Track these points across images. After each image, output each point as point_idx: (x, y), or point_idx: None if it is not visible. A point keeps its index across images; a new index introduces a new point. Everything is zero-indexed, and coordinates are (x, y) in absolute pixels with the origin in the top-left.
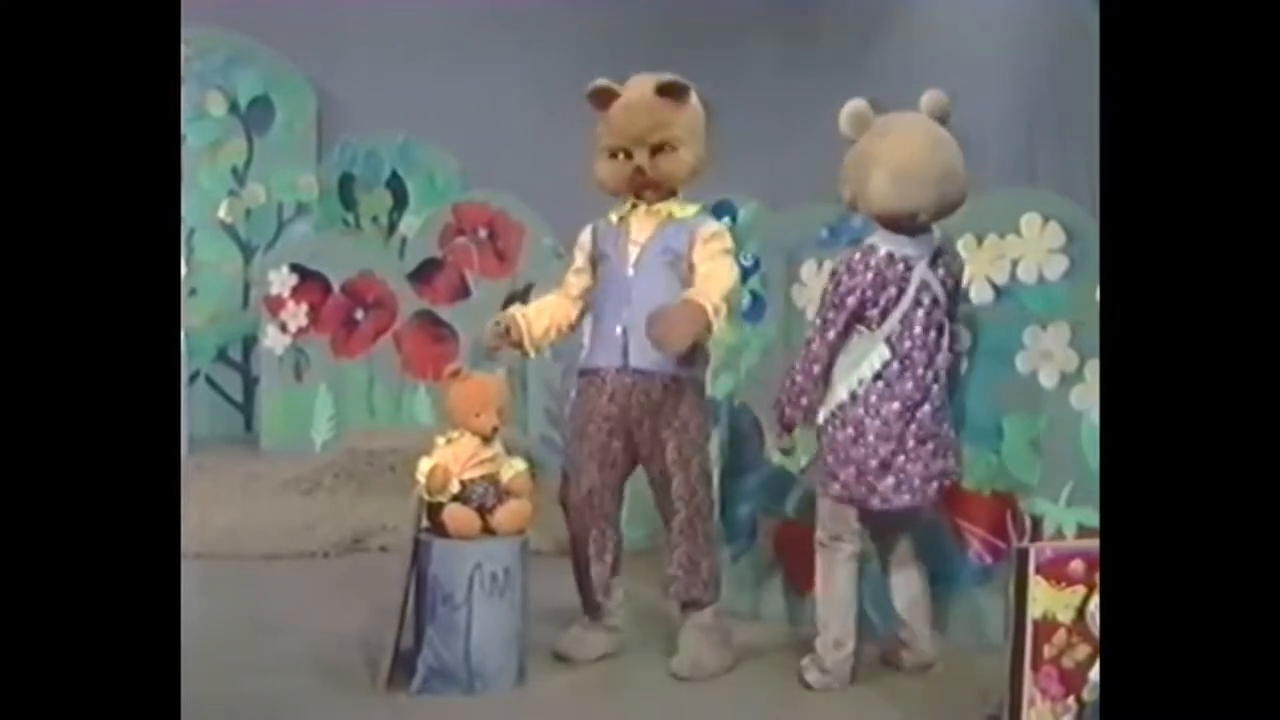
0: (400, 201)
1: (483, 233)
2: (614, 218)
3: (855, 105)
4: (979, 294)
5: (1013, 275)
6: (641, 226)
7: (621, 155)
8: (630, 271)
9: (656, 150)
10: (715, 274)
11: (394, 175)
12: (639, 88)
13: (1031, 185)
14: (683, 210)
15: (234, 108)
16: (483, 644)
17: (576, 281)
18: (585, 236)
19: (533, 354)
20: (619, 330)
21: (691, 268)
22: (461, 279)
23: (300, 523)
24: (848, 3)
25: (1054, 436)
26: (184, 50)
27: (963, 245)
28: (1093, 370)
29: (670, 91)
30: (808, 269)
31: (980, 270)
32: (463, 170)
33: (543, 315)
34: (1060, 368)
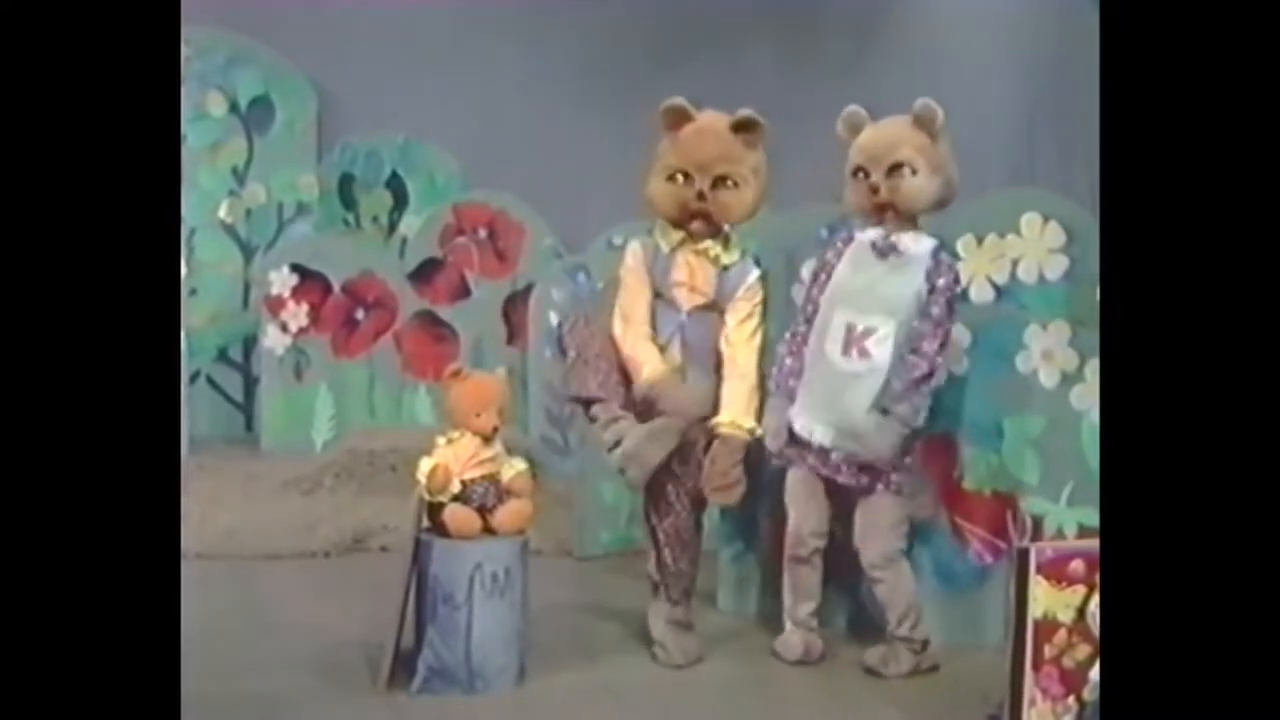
0: (400, 201)
1: (483, 233)
2: (663, 246)
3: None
4: (979, 294)
5: (1013, 275)
6: (691, 268)
7: (681, 178)
8: (684, 316)
9: (719, 182)
10: (742, 355)
11: (394, 175)
12: (714, 118)
13: (1031, 185)
14: (729, 255)
15: (234, 108)
16: (483, 644)
17: (648, 314)
18: (643, 260)
19: None
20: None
21: (721, 314)
22: (462, 279)
23: (300, 523)
24: (847, 3)
25: (1054, 436)
26: (184, 50)
27: (963, 245)
28: (1093, 370)
29: (745, 128)
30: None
31: (980, 270)
32: (463, 170)
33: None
34: (1060, 368)
